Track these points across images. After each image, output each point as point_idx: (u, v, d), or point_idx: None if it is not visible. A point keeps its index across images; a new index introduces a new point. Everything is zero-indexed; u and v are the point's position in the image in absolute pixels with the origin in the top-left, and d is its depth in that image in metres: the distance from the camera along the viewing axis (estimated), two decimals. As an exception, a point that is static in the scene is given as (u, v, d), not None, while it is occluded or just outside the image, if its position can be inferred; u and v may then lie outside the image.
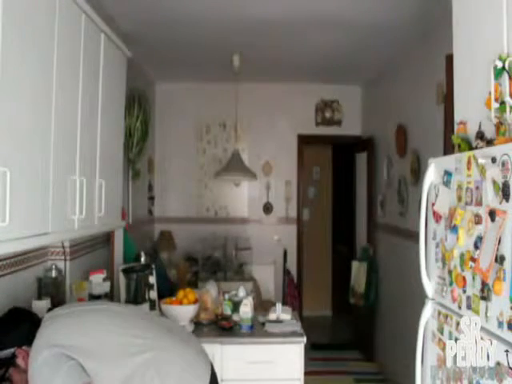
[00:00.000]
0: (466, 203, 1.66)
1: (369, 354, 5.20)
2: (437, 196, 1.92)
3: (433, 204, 1.96)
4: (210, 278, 4.07)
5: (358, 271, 5.19)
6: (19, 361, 1.73)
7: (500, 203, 1.42)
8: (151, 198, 5.43)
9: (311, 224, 6.91)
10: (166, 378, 1.74)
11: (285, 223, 5.82)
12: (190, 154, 5.75)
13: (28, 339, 1.73)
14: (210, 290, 3.10)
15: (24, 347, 1.73)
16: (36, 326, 1.78)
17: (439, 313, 1.87)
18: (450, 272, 1.78)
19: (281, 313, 2.91)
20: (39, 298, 2.49)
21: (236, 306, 2.95)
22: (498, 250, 1.42)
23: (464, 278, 1.65)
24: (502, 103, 1.63)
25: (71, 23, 2.08)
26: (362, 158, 5.65)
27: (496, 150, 1.47)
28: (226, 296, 3.11)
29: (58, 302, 2.52)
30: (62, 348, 1.67)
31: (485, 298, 1.49)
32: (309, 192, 7.05)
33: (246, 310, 2.81)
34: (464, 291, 1.65)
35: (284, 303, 4.40)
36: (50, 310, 1.94)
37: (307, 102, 5.78)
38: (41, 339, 1.70)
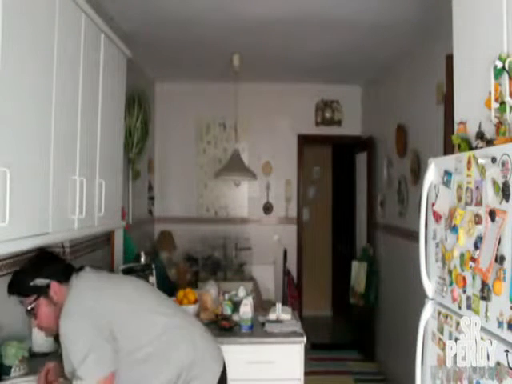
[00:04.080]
0: (466, 203, 1.66)
1: (369, 354, 5.20)
2: (437, 196, 1.92)
3: (433, 204, 1.96)
4: (210, 278, 4.07)
5: (358, 271, 5.19)
6: (51, 293, 1.83)
7: (500, 203, 1.42)
8: (151, 198, 5.43)
9: (311, 224, 6.91)
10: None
11: (285, 223, 5.82)
12: (190, 154, 5.75)
13: (62, 275, 1.87)
14: (210, 290, 3.10)
15: (57, 282, 1.85)
16: (69, 268, 1.92)
17: (439, 313, 1.87)
18: (449, 272, 1.78)
19: (281, 313, 2.91)
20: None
21: (236, 306, 2.95)
22: (497, 250, 1.42)
23: (464, 278, 1.65)
24: (502, 103, 1.63)
25: (71, 23, 2.08)
26: (361, 158, 5.65)
27: (496, 150, 1.47)
28: (226, 296, 3.12)
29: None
30: (108, 323, 1.77)
31: (485, 298, 1.49)
32: (309, 192, 7.05)
33: (246, 310, 2.81)
34: (464, 291, 1.65)
35: (284, 303, 4.40)
36: (82, 267, 2.00)
37: (307, 102, 5.78)
38: (85, 301, 1.79)
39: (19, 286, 1.83)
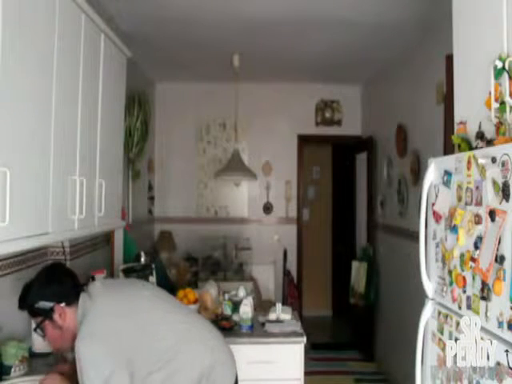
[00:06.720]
0: (466, 203, 1.66)
1: (369, 354, 5.20)
2: (437, 196, 1.92)
3: (433, 204, 1.96)
4: (210, 278, 4.07)
5: (358, 271, 5.19)
6: (56, 316, 1.81)
7: (500, 203, 1.42)
8: (151, 198, 5.43)
9: (311, 224, 6.90)
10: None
11: (285, 223, 5.82)
12: (190, 154, 5.75)
13: (68, 297, 1.83)
14: (210, 290, 3.10)
15: (62, 304, 1.82)
16: (77, 286, 1.88)
17: (439, 313, 1.87)
18: (449, 272, 1.78)
19: (281, 313, 2.91)
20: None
21: (236, 306, 2.95)
22: (498, 250, 1.42)
23: (464, 278, 1.65)
24: (502, 103, 1.63)
25: (71, 23, 2.08)
26: (362, 158, 5.65)
27: (496, 150, 1.47)
28: (226, 296, 3.11)
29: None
30: (123, 347, 1.74)
31: (485, 298, 1.49)
32: (309, 192, 7.05)
33: (246, 309, 2.80)
34: (464, 291, 1.65)
35: (284, 303, 4.40)
36: (92, 278, 1.99)
37: (307, 102, 5.78)
38: (100, 326, 1.75)
39: (26, 306, 1.82)
